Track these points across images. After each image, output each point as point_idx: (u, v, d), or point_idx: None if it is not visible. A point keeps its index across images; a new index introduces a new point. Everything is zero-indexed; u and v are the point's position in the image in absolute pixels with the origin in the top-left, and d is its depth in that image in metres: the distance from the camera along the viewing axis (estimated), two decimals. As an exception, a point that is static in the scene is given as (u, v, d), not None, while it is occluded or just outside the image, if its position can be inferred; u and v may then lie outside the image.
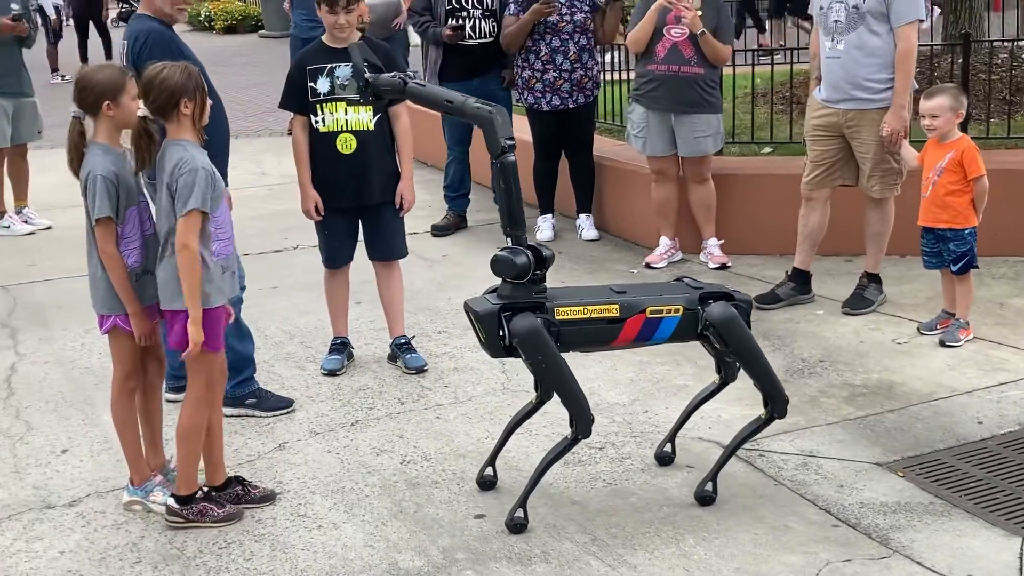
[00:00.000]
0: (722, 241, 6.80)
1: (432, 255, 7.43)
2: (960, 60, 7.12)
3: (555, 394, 4.03)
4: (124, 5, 28.43)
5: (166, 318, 4.00)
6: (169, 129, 3.99)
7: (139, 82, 4.01)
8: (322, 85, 5.18)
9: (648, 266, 6.82)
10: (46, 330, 6.22)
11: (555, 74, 7.28)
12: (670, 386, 5.16)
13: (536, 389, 4.19)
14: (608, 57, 8.47)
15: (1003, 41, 8.75)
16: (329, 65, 5.16)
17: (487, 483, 4.26)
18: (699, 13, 6.32)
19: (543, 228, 7.59)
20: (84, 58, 17.87)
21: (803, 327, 5.79)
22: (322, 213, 5.31)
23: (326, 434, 4.79)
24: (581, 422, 3.87)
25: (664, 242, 6.87)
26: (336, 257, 5.46)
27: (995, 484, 4.15)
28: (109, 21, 18.99)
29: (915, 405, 4.83)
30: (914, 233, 5.69)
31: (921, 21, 5.65)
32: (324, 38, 5.29)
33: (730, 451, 4.11)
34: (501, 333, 3.82)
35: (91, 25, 18.10)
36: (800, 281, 6.07)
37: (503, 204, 3.92)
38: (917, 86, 5.82)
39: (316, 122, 5.22)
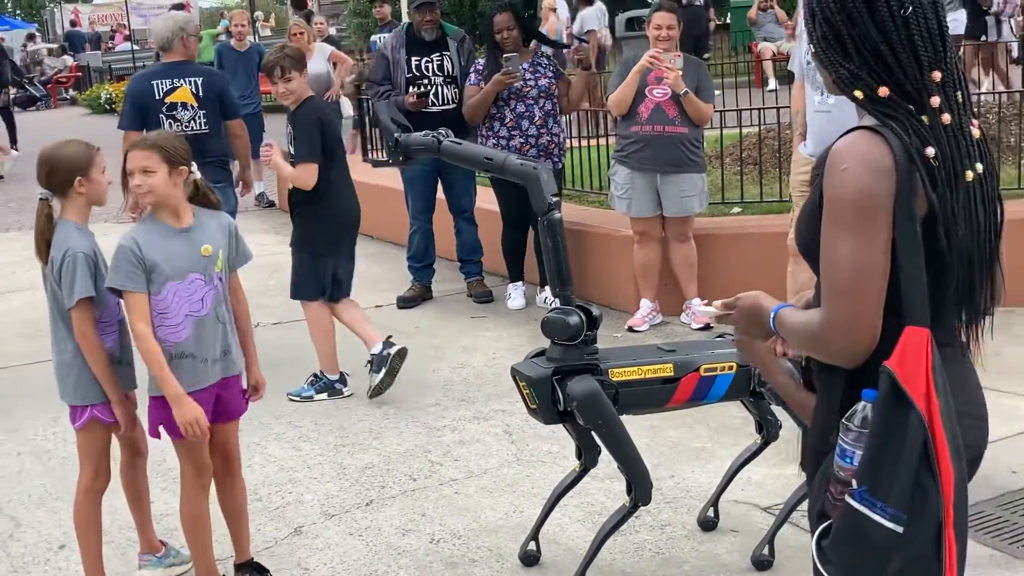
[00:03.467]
0: (706, 300, 6.70)
1: (404, 327, 7.20)
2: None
3: (599, 460, 3.87)
4: (19, 91, 27.80)
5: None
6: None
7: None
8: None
9: (631, 329, 6.70)
10: (10, 420, 5.83)
11: (521, 140, 7.11)
12: (688, 449, 5.01)
13: (578, 456, 4.00)
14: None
15: (990, 93, 9.00)
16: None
17: (531, 559, 4.04)
18: (681, 73, 6.28)
19: (514, 296, 7.43)
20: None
21: (807, 384, 5.69)
22: None
23: (342, 516, 4.53)
24: (641, 489, 3.70)
25: (645, 304, 6.75)
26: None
27: (1049, 534, 4.08)
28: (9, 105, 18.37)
29: (943, 457, 4.75)
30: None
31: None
32: None
33: (788, 510, 3.96)
34: (555, 398, 3.64)
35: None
36: (797, 338, 5.97)
37: (551, 263, 3.75)
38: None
39: None
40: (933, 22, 2.09)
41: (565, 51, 10.95)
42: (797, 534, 4.15)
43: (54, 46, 32.72)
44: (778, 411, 3.96)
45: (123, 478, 4.07)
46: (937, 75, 2.08)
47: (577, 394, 3.57)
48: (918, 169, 2.03)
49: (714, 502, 4.25)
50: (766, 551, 3.94)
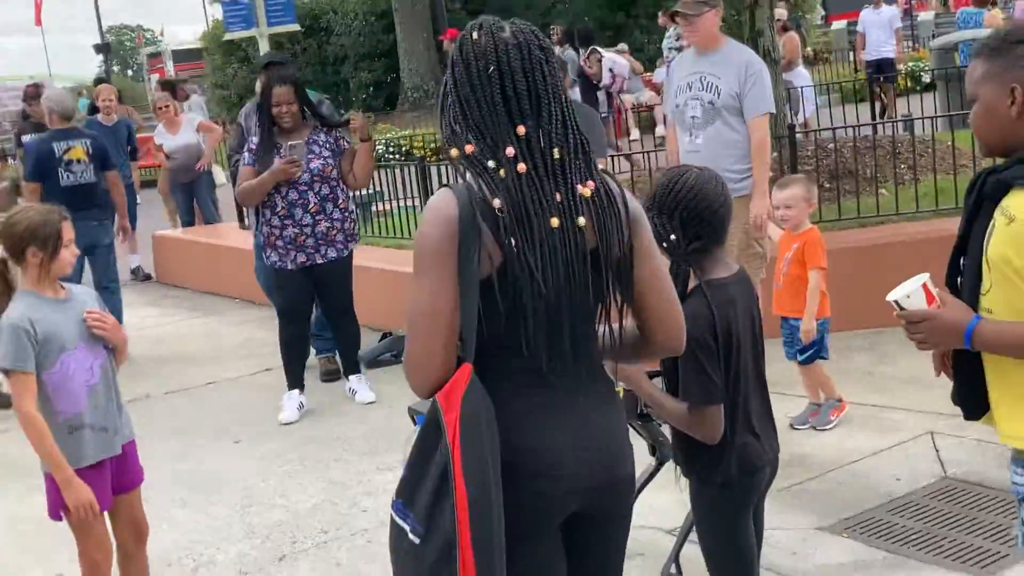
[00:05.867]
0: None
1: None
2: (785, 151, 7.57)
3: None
4: None
5: None
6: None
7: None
8: None
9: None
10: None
11: (295, 230, 6.46)
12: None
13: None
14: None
15: (829, 129, 9.45)
16: None
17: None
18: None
19: (288, 407, 6.66)
20: None
21: (697, 413, 5.89)
22: None
23: (256, 573, 4.55)
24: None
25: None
26: None
27: (935, 533, 4.31)
28: None
29: (831, 471, 4.98)
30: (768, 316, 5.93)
31: (772, 113, 5.98)
32: None
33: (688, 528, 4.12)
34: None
35: None
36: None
37: None
38: (772, 174, 6.13)
39: None
40: (522, 83, 2.30)
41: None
42: (699, 550, 4.32)
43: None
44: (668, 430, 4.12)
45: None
46: (521, 129, 2.28)
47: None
48: (483, 219, 2.22)
49: (620, 528, 4.38)
50: (673, 569, 4.09)
